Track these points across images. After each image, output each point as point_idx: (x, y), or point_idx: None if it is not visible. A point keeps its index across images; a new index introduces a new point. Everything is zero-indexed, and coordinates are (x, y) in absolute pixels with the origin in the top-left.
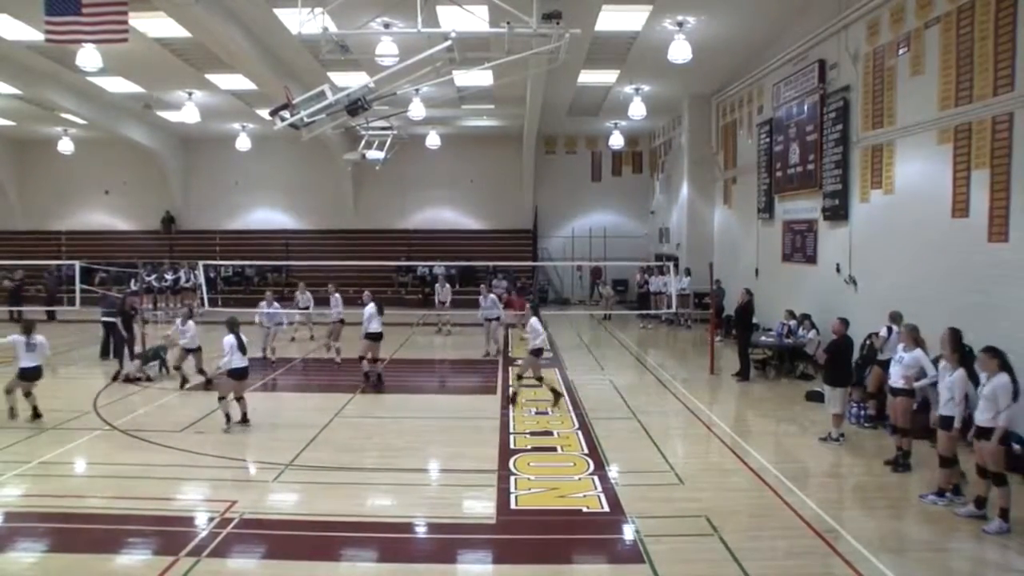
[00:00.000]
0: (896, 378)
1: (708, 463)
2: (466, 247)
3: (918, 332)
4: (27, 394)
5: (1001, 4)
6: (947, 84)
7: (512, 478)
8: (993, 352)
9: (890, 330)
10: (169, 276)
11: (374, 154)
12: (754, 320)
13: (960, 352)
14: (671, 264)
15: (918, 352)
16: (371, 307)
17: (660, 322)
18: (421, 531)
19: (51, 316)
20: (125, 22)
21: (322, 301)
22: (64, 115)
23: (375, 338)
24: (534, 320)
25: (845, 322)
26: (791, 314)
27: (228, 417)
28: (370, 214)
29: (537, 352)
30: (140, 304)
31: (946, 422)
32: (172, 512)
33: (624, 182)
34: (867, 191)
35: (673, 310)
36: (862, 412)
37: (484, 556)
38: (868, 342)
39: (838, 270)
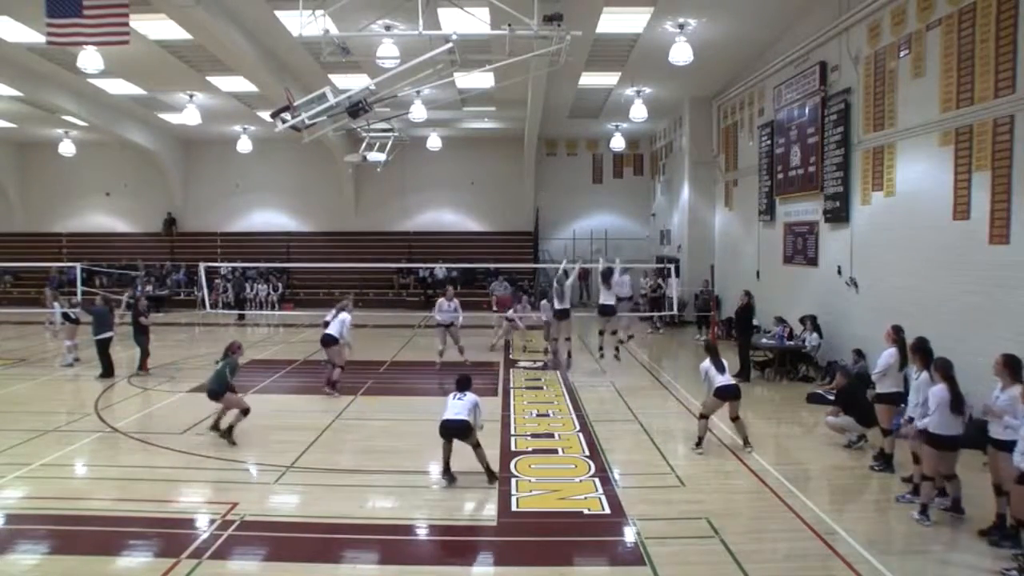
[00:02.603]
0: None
1: (709, 465)
2: (467, 249)
3: (902, 332)
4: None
5: (1002, 6)
6: (948, 86)
7: (513, 480)
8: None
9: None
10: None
11: (375, 156)
12: (755, 322)
13: (922, 354)
14: (671, 267)
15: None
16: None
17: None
18: (422, 533)
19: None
20: (126, 24)
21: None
22: (65, 117)
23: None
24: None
25: (847, 371)
26: (781, 320)
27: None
28: (371, 216)
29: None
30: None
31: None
32: (173, 514)
33: (625, 184)
34: (868, 193)
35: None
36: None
37: (485, 558)
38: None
39: (839, 272)
